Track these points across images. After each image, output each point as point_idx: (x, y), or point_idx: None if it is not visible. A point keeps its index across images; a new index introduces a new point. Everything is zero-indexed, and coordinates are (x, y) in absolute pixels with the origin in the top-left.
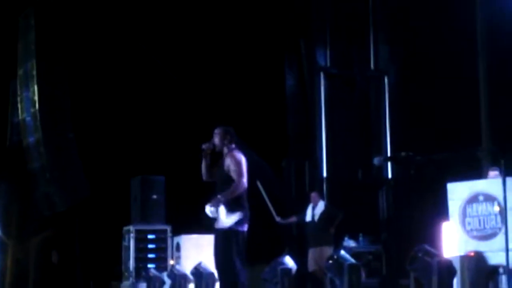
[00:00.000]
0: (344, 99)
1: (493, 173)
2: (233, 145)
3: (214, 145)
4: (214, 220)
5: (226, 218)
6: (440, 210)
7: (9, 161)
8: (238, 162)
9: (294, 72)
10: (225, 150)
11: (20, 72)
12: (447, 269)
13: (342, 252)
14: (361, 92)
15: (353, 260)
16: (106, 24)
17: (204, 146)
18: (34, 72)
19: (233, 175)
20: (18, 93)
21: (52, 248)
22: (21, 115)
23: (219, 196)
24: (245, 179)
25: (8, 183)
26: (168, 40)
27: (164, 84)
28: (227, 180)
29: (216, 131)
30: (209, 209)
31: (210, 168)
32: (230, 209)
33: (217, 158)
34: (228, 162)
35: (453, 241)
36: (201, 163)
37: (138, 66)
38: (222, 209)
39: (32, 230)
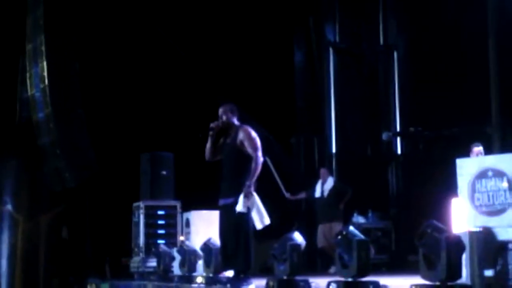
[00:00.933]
0: (353, 74)
1: (477, 149)
2: (238, 123)
3: (223, 123)
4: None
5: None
6: (449, 185)
7: (19, 137)
8: (253, 136)
9: (303, 48)
10: (233, 127)
11: (29, 47)
12: (456, 245)
13: (351, 227)
14: (370, 67)
15: (362, 236)
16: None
17: (212, 124)
18: (43, 48)
19: (248, 149)
20: (27, 69)
21: (62, 224)
22: (30, 91)
23: (247, 183)
24: (260, 153)
25: (18, 159)
26: (176, 16)
27: (173, 60)
28: (238, 155)
29: (223, 108)
30: (241, 206)
31: (214, 148)
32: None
33: (220, 137)
34: (241, 136)
35: (462, 216)
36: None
37: (147, 42)
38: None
39: (42, 205)
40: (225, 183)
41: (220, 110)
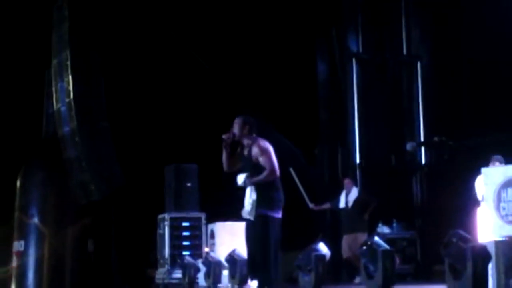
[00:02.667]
0: (377, 84)
1: (496, 160)
2: (254, 135)
3: (234, 135)
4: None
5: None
6: (474, 195)
7: (45, 151)
8: (266, 150)
9: (326, 59)
10: (246, 140)
11: (55, 62)
12: (482, 255)
13: (376, 238)
14: (393, 77)
15: (387, 246)
16: (139, 13)
17: (224, 136)
18: (68, 62)
19: (264, 165)
20: (53, 83)
21: (88, 237)
22: (56, 105)
23: (253, 179)
24: (276, 167)
25: (45, 172)
26: (200, 29)
27: (197, 72)
28: (256, 169)
29: (236, 120)
30: (241, 178)
31: (231, 158)
32: (262, 195)
33: (236, 147)
34: (255, 152)
35: (487, 226)
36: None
37: (171, 55)
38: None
39: (68, 219)
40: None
41: (234, 122)
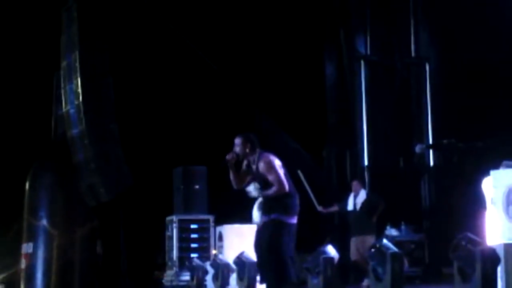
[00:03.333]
0: (385, 86)
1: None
2: (257, 150)
3: (237, 154)
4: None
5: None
6: (483, 198)
7: (54, 153)
8: (271, 166)
9: (334, 60)
10: (251, 157)
11: (64, 64)
12: (491, 258)
13: (385, 240)
14: (402, 80)
15: (396, 249)
16: (148, 15)
17: (228, 157)
18: (77, 64)
19: (272, 181)
20: (62, 85)
21: (97, 239)
22: (65, 107)
23: (262, 191)
24: (284, 182)
25: (54, 174)
26: (208, 31)
27: (205, 74)
28: (268, 184)
29: (236, 141)
30: (253, 187)
31: (239, 177)
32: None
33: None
34: (262, 168)
35: (496, 229)
36: (229, 173)
37: (180, 57)
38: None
39: (77, 220)
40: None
41: (235, 142)
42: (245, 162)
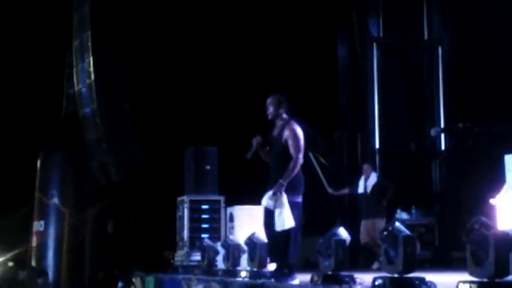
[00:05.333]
0: (397, 69)
1: None
2: (286, 116)
3: (261, 138)
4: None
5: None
6: (495, 182)
7: (66, 132)
8: (297, 136)
9: (346, 43)
10: (279, 121)
11: (76, 43)
12: (504, 242)
13: (397, 223)
14: (414, 63)
15: (408, 232)
16: None
17: (253, 141)
18: (90, 43)
19: (291, 149)
20: (74, 64)
21: (108, 218)
22: (76, 86)
23: (280, 181)
24: (301, 155)
25: (65, 153)
26: (221, 12)
27: (217, 55)
28: (283, 153)
29: (270, 100)
30: (266, 201)
31: (266, 153)
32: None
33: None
34: (286, 134)
35: (509, 213)
36: (256, 160)
37: (192, 37)
38: (285, 202)
39: (88, 199)
40: (271, 180)
41: (268, 102)
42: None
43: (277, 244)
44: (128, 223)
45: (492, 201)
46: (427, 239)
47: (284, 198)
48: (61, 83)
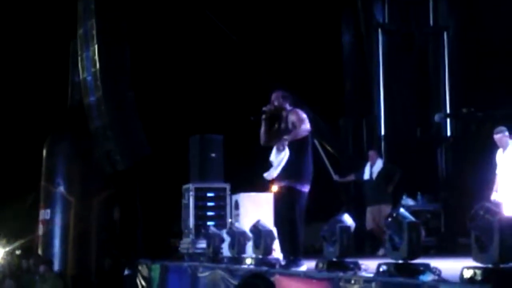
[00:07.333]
0: (402, 55)
1: (497, 136)
2: (291, 107)
3: (275, 107)
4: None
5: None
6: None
7: (71, 120)
8: (301, 118)
9: (351, 29)
10: (285, 112)
11: (80, 32)
12: (509, 227)
13: (402, 209)
14: (419, 49)
15: (413, 218)
16: None
17: (265, 108)
18: (94, 32)
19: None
20: (79, 52)
21: (113, 206)
22: (82, 74)
23: (285, 137)
24: (308, 126)
25: (70, 141)
26: (227, 1)
27: (223, 43)
28: (292, 142)
29: (275, 94)
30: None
31: (269, 132)
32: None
33: (273, 122)
34: (292, 118)
35: None
36: (260, 126)
37: (197, 25)
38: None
39: (94, 188)
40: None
41: (273, 96)
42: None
43: (282, 231)
44: (134, 211)
45: (493, 196)
46: (433, 226)
47: (286, 153)
48: (66, 72)
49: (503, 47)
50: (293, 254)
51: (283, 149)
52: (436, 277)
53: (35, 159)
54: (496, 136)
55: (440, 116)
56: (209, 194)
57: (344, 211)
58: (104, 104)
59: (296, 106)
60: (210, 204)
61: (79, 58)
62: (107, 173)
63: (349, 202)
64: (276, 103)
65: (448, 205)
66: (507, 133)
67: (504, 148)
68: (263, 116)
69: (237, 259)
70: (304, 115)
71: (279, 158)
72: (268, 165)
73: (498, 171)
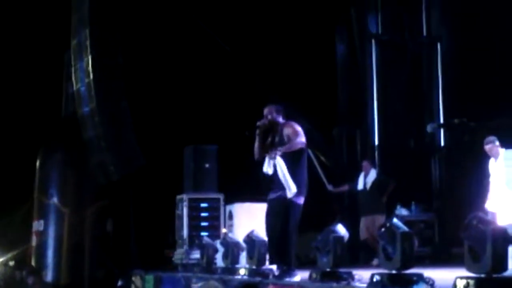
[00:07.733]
0: (396, 66)
1: (487, 146)
2: (283, 121)
3: (269, 122)
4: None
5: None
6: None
7: (65, 131)
8: (296, 131)
9: (345, 39)
10: (279, 125)
11: (74, 42)
12: (502, 237)
13: (395, 220)
14: (413, 59)
15: (406, 228)
16: None
17: (259, 123)
18: (88, 43)
19: (293, 140)
20: (73, 63)
21: (107, 217)
22: (75, 85)
23: (279, 148)
24: (303, 139)
25: (64, 152)
26: (220, 11)
27: (216, 54)
28: (287, 153)
29: (268, 108)
30: (266, 166)
31: (264, 146)
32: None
33: (267, 136)
34: (286, 131)
35: (508, 208)
36: (254, 141)
37: (190, 36)
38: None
39: (88, 198)
40: (275, 179)
41: (266, 110)
42: (271, 136)
43: (276, 243)
44: (128, 221)
45: (487, 205)
46: (427, 235)
47: (281, 163)
48: (60, 83)
49: (496, 57)
50: (286, 264)
51: (275, 156)
52: (430, 287)
53: (28, 170)
54: (487, 147)
55: (433, 126)
56: (203, 205)
57: (338, 221)
58: (97, 115)
59: (289, 118)
60: (204, 214)
61: (73, 69)
62: (101, 184)
63: (342, 212)
64: (269, 117)
65: (441, 215)
66: (497, 143)
67: (495, 158)
68: (257, 131)
69: (231, 269)
70: (298, 128)
71: (280, 170)
72: (261, 176)
73: (491, 180)
